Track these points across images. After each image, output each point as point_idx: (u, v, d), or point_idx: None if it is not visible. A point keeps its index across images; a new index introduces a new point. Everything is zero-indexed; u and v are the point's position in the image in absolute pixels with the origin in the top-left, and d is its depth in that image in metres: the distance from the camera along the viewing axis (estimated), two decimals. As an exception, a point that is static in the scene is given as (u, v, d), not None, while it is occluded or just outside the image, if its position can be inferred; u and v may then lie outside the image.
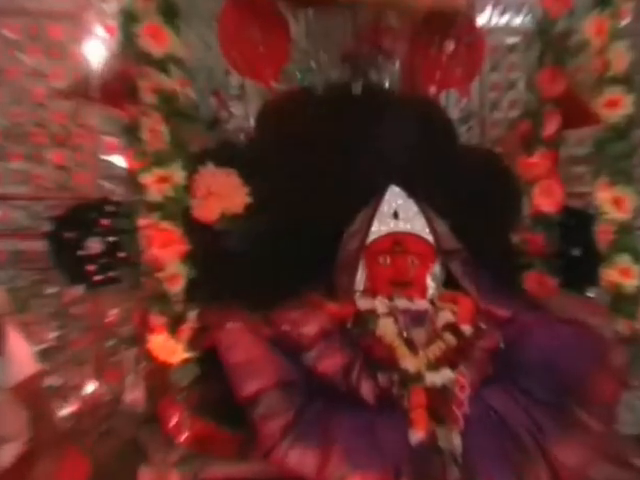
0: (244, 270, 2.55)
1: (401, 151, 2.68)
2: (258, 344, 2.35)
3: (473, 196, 2.72)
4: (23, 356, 2.33)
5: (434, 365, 2.35)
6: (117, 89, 2.33)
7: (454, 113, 3.01)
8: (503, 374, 2.39)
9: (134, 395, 2.47)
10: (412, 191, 2.71)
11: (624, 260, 2.48)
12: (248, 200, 2.59)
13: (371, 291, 2.62)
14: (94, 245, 2.57)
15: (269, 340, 2.36)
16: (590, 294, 2.74)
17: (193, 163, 2.45)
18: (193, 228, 2.38)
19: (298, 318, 2.41)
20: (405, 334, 2.43)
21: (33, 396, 2.28)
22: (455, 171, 2.77)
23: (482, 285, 2.62)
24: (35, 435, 2.24)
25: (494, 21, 2.98)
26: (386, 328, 2.43)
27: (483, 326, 2.49)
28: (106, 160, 2.74)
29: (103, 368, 2.65)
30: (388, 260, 2.64)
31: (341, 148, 2.69)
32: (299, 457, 2.18)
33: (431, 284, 2.68)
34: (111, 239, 2.58)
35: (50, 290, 2.70)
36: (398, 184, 2.73)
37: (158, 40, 2.24)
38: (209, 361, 2.28)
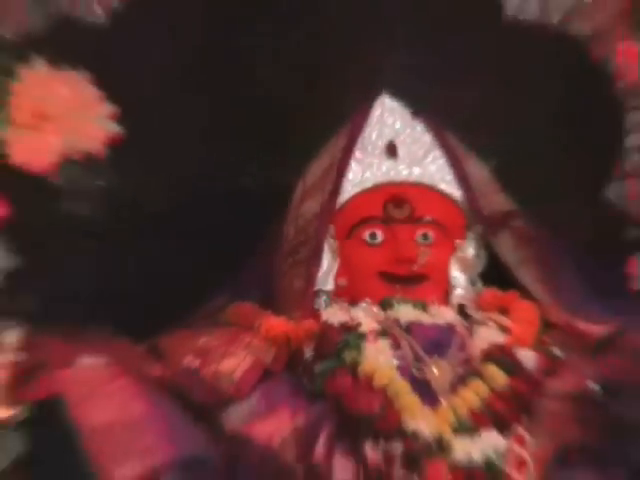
0: (105, 260, 1.88)
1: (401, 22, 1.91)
2: (138, 395, 1.66)
3: (537, 111, 1.94)
4: None
5: (468, 425, 1.66)
6: None
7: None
8: (599, 441, 1.66)
9: None
10: (421, 103, 1.90)
11: None
12: (115, 129, 1.78)
13: (348, 293, 1.88)
14: None
15: (160, 387, 1.69)
16: None
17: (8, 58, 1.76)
18: (13, 182, 1.74)
19: (213, 346, 1.74)
20: (414, 371, 1.73)
21: None
22: (501, 63, 1.96)
23: (557, 279, 1.89)
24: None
25: None
26: (378, 360, 1.72)
27: (558, 353, 1.79)
28: None
29: None
30: (379, 234, 1.87)
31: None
32: None
33: (460, 278, 1.93)
34: None
35: None
36: (394, 91, 1.90)
37: None
38: (45, 425, 1.64)
